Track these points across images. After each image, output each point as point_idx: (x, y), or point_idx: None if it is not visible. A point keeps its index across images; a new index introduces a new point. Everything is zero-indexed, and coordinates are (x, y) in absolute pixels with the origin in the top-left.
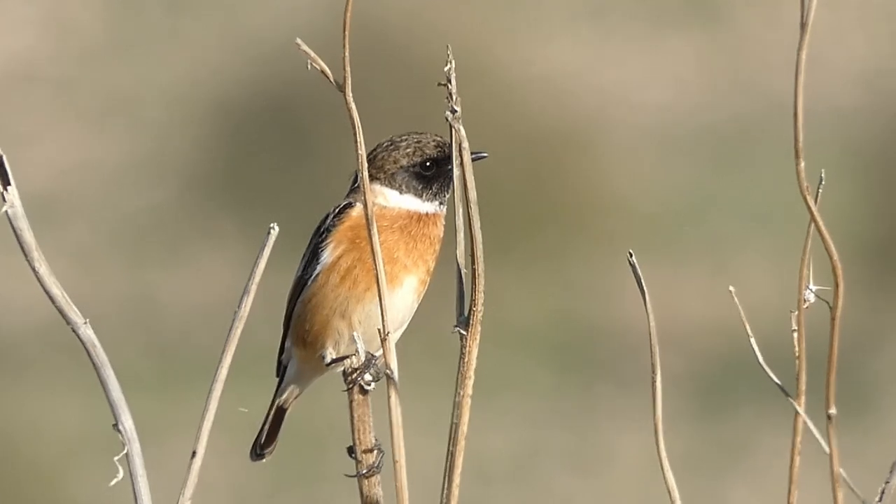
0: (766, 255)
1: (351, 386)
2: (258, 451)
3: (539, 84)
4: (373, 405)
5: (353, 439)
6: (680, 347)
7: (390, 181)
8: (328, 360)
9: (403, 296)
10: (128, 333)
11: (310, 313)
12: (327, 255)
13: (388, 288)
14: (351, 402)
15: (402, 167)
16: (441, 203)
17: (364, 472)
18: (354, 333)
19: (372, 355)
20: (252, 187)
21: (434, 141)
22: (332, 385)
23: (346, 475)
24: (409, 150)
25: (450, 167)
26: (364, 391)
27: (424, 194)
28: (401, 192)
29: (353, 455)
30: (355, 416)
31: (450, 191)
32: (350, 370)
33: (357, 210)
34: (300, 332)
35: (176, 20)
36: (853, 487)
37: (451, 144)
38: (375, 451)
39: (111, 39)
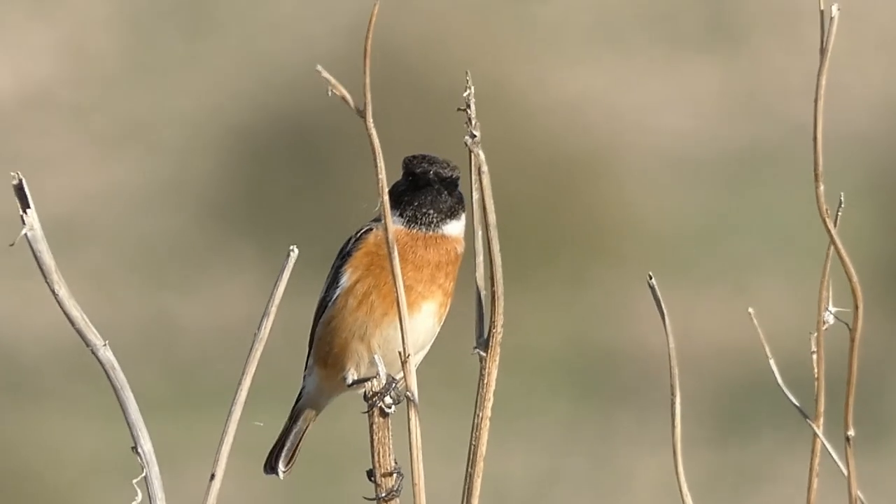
0: (784, 278)
1: (371, 409)
2: (272, 464)
3: (557, 109)
4: (392, 428)
5: (373, 462)
6: (698, 371)
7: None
8: (350, 381)
9: (423, 320)
10: (146, 357)
11: (330, 335)
12: (345, 280)
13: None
14: (371, 424)
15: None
16: (417, 222)
17: (383, 495)
18: (375, 356)
19: (393, 378)
20: (269, 212)
21: (407, 158)
22: (351, 408)
23: (366, 499)
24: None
25: (427, 186)
26: (384, 414)
27: (401, 211)
28: (392, 210)
29: (373, 479)
30: (375, 439)
31: (426, 210)
32: (371, 393)
33: (373, 236)
34: (322, 352)
35: (194, 46)
36: None
37: (421, 160)
38: (395, 475)
39: (129, 65)
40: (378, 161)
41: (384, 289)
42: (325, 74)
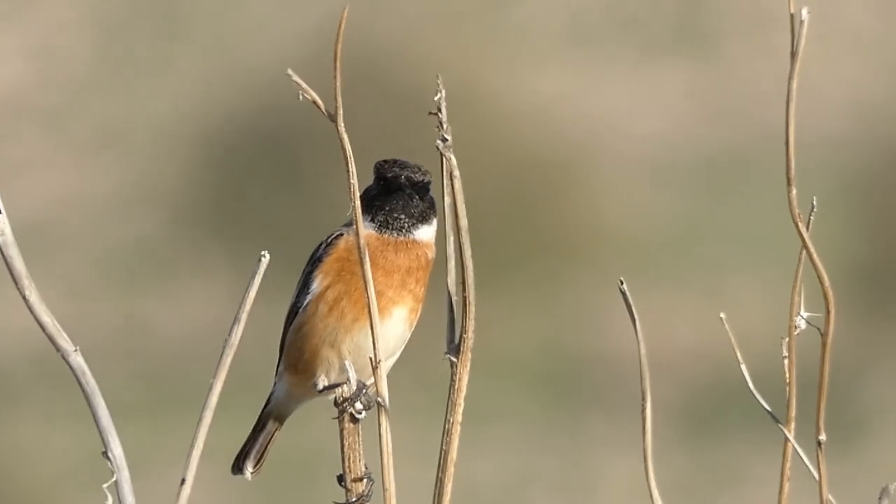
0: (757, 281)
1: (342, 414)
2: (240, 465)
3: (530, 113)
4: (363, 433)
5: (343, 468)
6: (670, 374)
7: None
8: (320, 387)
9: (393, 326)
10: (117, 362)
11: (301, 341)
12: (316, 286)
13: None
14: (341, 430)
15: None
16: (388, 227)
17: (353, 500)
18: (346, 362)
19: (363, 384)
20: (241, 217)
21: (378, 163)
22: (322, 412)
23: (336, 503)
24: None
25: (398, 191)
26: (355, 420)
27: (372, 216)
28: (366, 220)
29: (343, 483)
30: (345, 444)
31: (397, 215)
32: (341, 399)
33: (343, 242)
34: (292, 358)
35: (165, 50)
36: None
37: (392, 165)
38: (365, 480)
39: (101, 70)
40: (350, 166)
41: (355, 294)
42: (296, 79)
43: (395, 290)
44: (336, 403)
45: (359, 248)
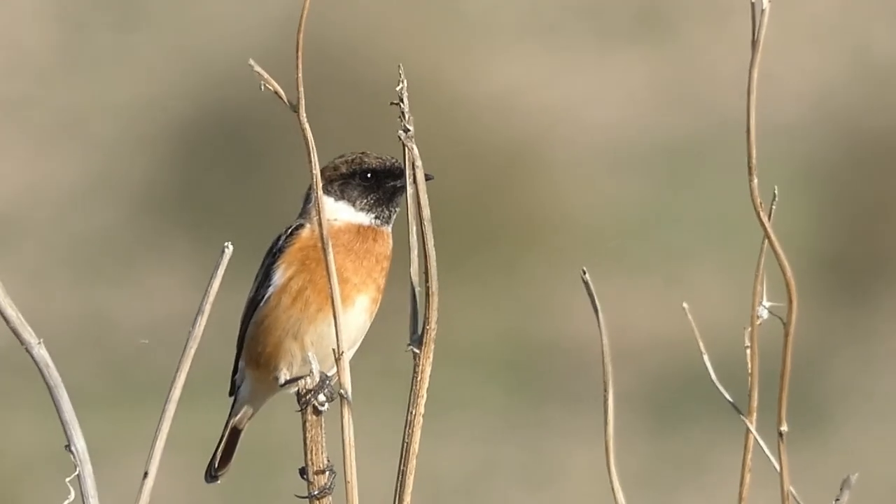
0: (719, 270)
1: (304, 407)
2: (213, 472)
3: (488, 101)
4: (325, 425)
5: (306, 460)
6: (632, 363)
7: (328, 189)
8: (282, 381)
9: (356, 315)
10: (81, 353)
11: (263, 335)
12: (279, 277)
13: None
14: (304, 422)
15: (341, 174)
16: (378, 217)
17: (315, 493)
18: (309, 353)
19: (326, 376)
20: (204, 206)
21: (376, 155)
22: (285, 405)
23: (298, 496)
24: (350, 158)
25: (392, 184)
26: (318, 412)
27: (358, 203)
28: (336, 200)
29: (305, 476)
30: (308, 437)
31: (391, 208)
32: (304, 391)
33: (307, 231)
34: (253, 353)
35: (126, 40)
36: None
37: (394, 161)
38: (328, 473)
39: (61, 59)
40: (312, 155)
41: (320, 283)
42: (258, 69)
43: (360, 277)
44: (299, 396)
45: (321, 235)
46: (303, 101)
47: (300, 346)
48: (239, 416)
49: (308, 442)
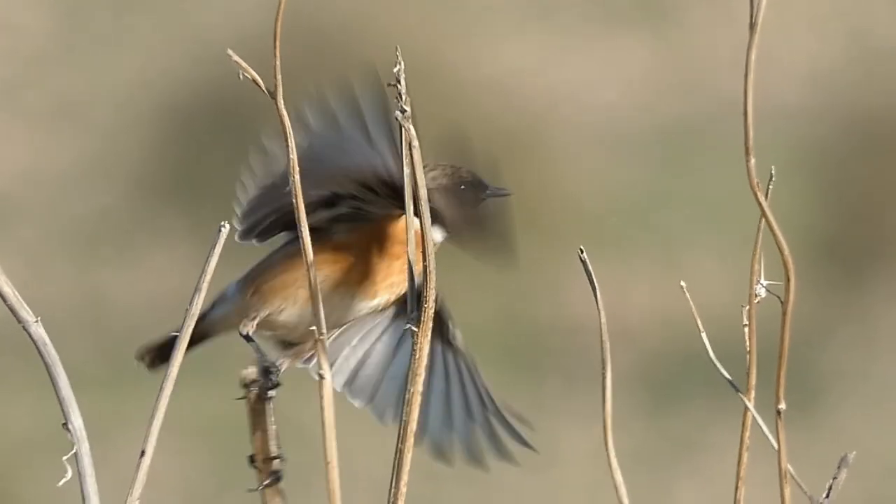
0: (716, 251)
1: (247, 395)
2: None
3: (488, 84)
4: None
5: (254, 448)
6: (630, 344)
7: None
8: (244, 332)
9: (370, 311)
10: (78, 333)
11: (282, 264)
12: (342, 235)
13: (359, 298)
14: (249, 410)
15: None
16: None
17: (266, 482)
18: (256, 343)
19: (274, 365)
20: (200, 187)
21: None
22: (284, 396)
23: (249, 490)
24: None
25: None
26: (263, 399)
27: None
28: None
29: (255, 465)
30: (254, 424)
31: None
32: (248, 380)
33: (402, 222)
34: (260, 275)
35: (122, 22)
36: (800, 483)
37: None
38: (277, 461)
39: (58, 41)
40: (289, 142)
41: (358, 267)
42: (236, 58)
43: (395, 279)
44: (244, 384)
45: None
46: (279, 89)
47: (304, 302)
48: (201, 325)
49: (255, 430)
